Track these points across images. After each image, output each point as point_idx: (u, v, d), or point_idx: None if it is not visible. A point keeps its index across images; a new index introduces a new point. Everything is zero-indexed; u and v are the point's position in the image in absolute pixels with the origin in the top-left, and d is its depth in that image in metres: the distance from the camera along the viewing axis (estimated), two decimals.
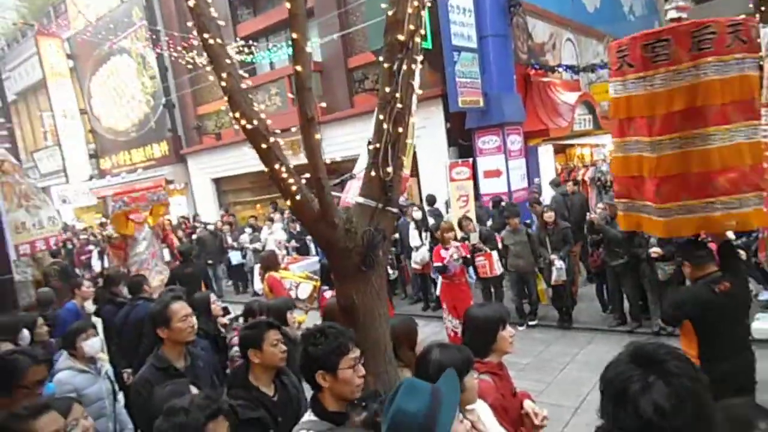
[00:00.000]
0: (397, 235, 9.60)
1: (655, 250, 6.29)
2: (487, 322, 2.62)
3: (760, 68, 3.63)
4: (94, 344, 3.71)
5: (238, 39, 12.72)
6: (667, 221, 3.51)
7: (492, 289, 8.07)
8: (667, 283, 6.53)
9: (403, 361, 2.95)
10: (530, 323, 7.87)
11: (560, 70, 12.28)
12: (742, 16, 3.34)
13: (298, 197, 2.75)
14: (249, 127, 2.68)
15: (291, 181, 2.75)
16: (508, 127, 11.08)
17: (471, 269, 7.90)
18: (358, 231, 2.77)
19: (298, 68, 2.43)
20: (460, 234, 7.91)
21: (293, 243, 11.43)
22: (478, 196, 10.64)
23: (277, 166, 2.74)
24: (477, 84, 10.71)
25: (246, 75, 2.86)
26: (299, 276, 7.21)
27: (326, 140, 13.45)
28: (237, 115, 2.70)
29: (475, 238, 7.88)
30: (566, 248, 7.50)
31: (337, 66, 13.18)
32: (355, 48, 13.00)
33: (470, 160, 10.07)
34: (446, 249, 6.90)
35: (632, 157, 3.67)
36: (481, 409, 2.28)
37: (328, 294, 5.56)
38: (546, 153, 12.87)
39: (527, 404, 2.62)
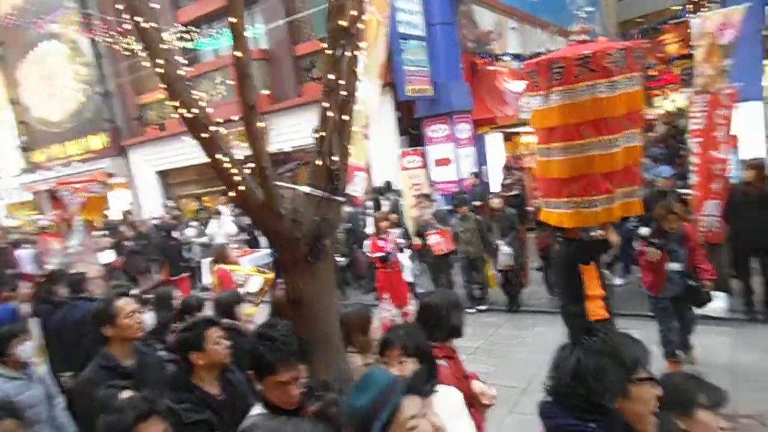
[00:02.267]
0: (349, 225, 9.61)
1: (599, 232, 6.54)
2: (445, 307, 2.67)
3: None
4: (26, 349, 3.52)
5: (177, 24, 12.24)
6: (572, 213, 4.06)
7: (443, 276, 8.23)
8: (610, 264, 6.85)
9: (356, 346, 2.96)
10: (480, 308, 8.03)
11: (506, 58, 12.50)
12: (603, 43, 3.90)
13: (241, 188, 2.68)
14: (188, 115, 2.59)
15: (234, 171, 2.67)
16: (457, 115, 11.21)
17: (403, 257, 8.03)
18: (305, 221, 2.73)
19: (238, 54, 2.36)
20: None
21: (243, 236, 11.19)
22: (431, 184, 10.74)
23: (219, 156, 2.66)
24: (425, 72, 10.76)
25: (186, 62, 2.75)
26: (250, 270, 7.09)
27: (275, 130, 13.23)
28: (176, 103, 2.60)
29: (427, 214, 8.04)
30: (513, 234, 7.69)
31: (283, 54, 12.93)
32: (302, 35, 12.79)
33: (421, 148, 10.14)
34: (382, 239, 6.95)
35: (543, 161, 4.15)
36: (446, 394, 2.27)
37: None
38: (494, 141, 13.12)
39: (476, 385, 2.67)
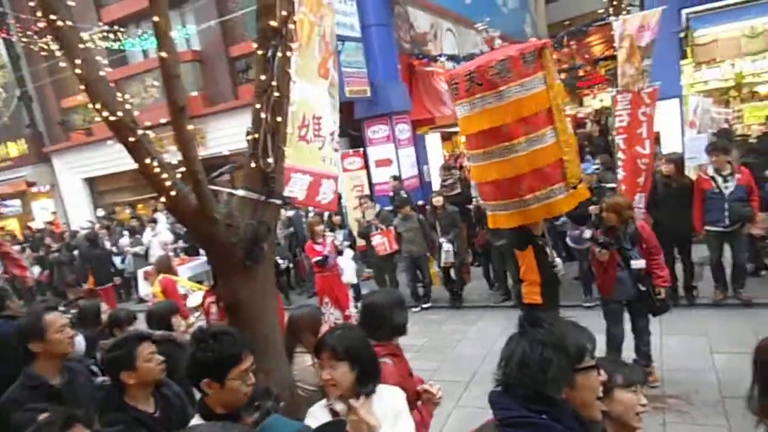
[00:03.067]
0: (291, 229, 9.49)
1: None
2: (401, 303, 2.68)
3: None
4: None
5: (101, 23, 11.65)
6: (560, 199, 4.03)
7: (388, 275, 8.29)
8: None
9: (306, 347, 2.92)
10: (424, 306, 8.13)
11: (442, 59, 12.71)
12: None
13: (173, 193, 2.58)
14: (112, 119, 2.47)
15: (164, 176, 2.58)
16: (396, 116, 11.30)
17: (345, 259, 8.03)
18: (241, 225, 2.67)
19: (163, 54, 2.27)
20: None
21: (180, 243, 10.81)
22: (371, 186, 10.79)
23: (147, 161, 2.55)
24: (363, 74, 10.78)
25: (106, 62, 2.62)
26: (191, 284, 6.88)
27: (212, 133, 12.87)
28: (98, 106, 2.47)
29: (370, 214, 8.06)
30: (454, 231, 7.83)
31: (217, 55, 12.58)
32: (236, 36, 12.47)
33: (361, 149, 10.12)
34: (319, 243, 6.91)
35: (480, 166, 4.18)
36: (389, 393, 2.27)
37: None
38: (433, 141, 13.32)
39: (422, 387, 2.70)
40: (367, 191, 9.44)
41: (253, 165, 2.71)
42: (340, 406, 2.10)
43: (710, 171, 6.02)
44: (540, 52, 3.79)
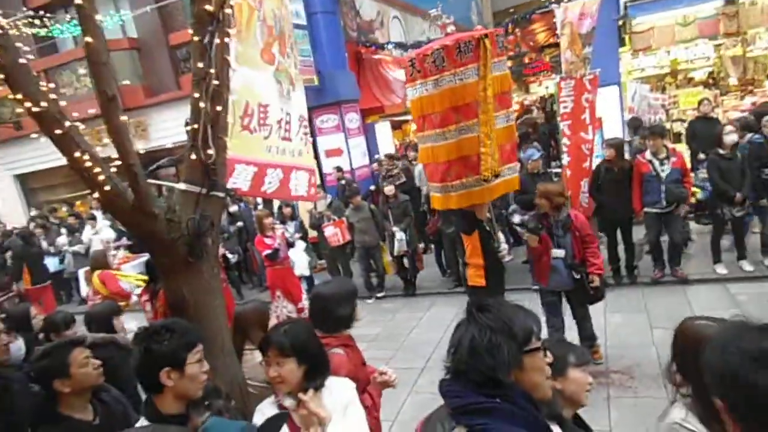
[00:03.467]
0: (241, 223, 9.27)
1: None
2: (348, 296, 2.66)
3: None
4: None
5: (26, 9, 10.94)
6: (481, 189, 4.14)
7: (341, 266, 8.25)
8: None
9: (255, 343, 2.86)
10: (378, 295, 8.15)
11: (389, 47, 12.65)
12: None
13: (107, 188, 2.43)
14: (36, 110, 2.30)
15: (97, 170, 2.42)
16: (345, 105, 11.19)
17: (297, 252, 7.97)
18: (182, 220, 2.55)
19: (88, 39, 2.12)
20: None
21: (124, 241, 10.36)
22: (321, 176, 10.67)
23: (77, 155, 2.40)
24: (309, 62, 10.60)
25: (27, 48, 2.43)
26: (136, 278, 6.59)
27: (153, 125, 12.39)
28: (19, 96, 2.29)
29: (322, 205, 7.99)
30: (407, 220, 7.86)
31: (157, 43, 12.07)
32: (176, 23, 11.99)
33: (311, 139, 9.93)
34: (268, 236, 6.80)
35: (444, 146, 4.21)
36: (339, 384, 2.25)
37: None
38: (384, 129, 13.29)
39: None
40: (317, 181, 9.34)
41: (193, 157, 2.59)
42: (288, 402, 2.07)
43: (647, 155, 6.28)
44: (478, 43, 3.84)
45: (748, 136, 6.46)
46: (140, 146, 11.90)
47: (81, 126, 2.47)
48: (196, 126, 2.52)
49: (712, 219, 6.56)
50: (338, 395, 2.14)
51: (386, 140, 13.39)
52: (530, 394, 1.51)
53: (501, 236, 4.83)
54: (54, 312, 3.90)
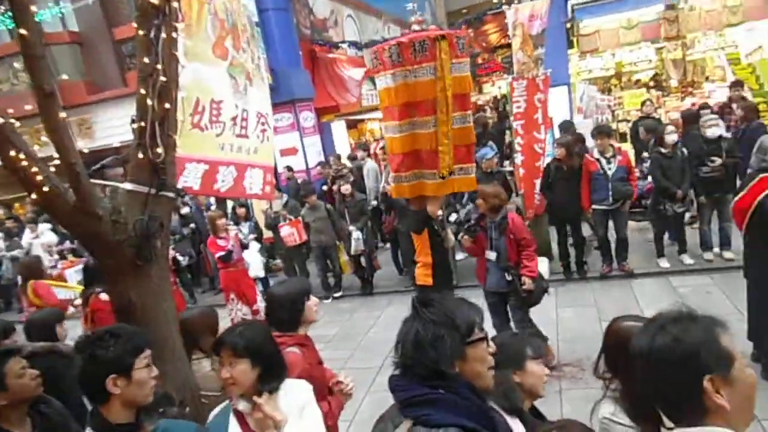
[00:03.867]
0: (193, 225, 9.02)
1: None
2: (292, 296, 2.63)
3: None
4: None
5: None
6: (435, 183, 4.30)
7: (298, 266, 8.15)
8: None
9: (205, 350, 2.80)
10: (335, 295, 8.10)
11: (344, 46, 12.61)
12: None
13: (45, 188, 2.31)
14: None
15: (34, 169, 2.29)
16: (299, 103, 11.07)
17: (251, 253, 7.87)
18: (129, 221, 2.45)
19: (22, 32, 2.00)
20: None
21: (67, 245, 9.90)
22: (277, 175, 10.52)
23: (13, 153, 2.26)
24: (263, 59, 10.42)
25: None
26: (75, 287, 6.30)
27: (99, 123, 11.89)
28: None
29: (277, 205, 7.88)
30: (363, 219, 7.84)
31: (100, 37, 11.56)
32: (121, 16, 11.51)
33: (272, 136, 9.74)
34: (221, 238, 6.66)
35: (399, 138, 4.32)
36: (294, 386, 2.21)
37: (104, 297, 4.77)
38: (339, 128, 13.22)
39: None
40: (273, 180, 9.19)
41: (140, 156, 2.49)
42: (242, 405, 2.02)
43: (595, 153, 6.49)
44: (433, 43, 3.91)
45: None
46: (85, 145, 11.42)
47: (16, 123, 2.34)
48: (143, 124, 2.42)
49: (655, 215, 6.85)
50: (294, 397, 2.11)
51: (342, 139, 13.33)
52: (473, 384, 1.56)
53: (451, 235, 4.93)
54: None
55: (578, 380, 4.60)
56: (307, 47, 11.90)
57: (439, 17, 23.36)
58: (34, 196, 2.34)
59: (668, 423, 1.27)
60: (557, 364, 4.89)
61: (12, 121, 2.29)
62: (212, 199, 9.16)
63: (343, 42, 12.67)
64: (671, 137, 6.36)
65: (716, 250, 6.63)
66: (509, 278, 4.64)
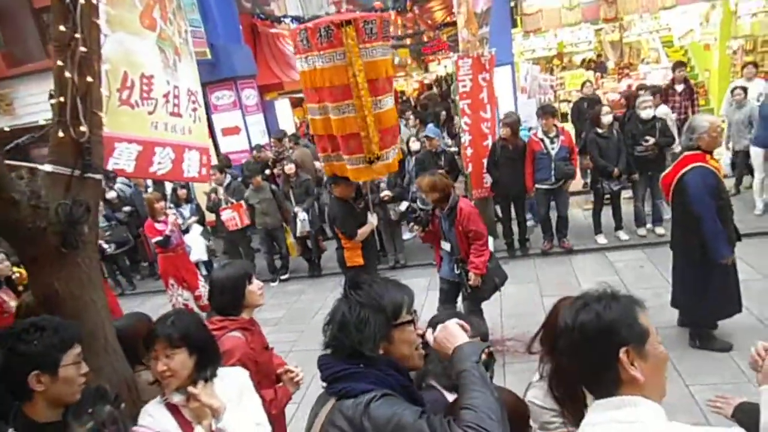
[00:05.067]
0: (130, 207, 8.59)
1: (385, 194, 6.91)
2: (233, 280, 2.59)
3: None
4: None
5: None
6: (353, 169, 4.44)
7: (242, 249, 7.94)
8: (398, 222, 7.32)
9: (144, 362, 2.61)
10: (282, 278, 7.97)
11: (286, 21, 12.19)
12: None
13: None
14: None
15: None
16: (241, 81, 10.67)
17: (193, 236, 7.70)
18: (51, 206, 2.25)
19: None
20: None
21: None
22: (218, 154, 10.16)
23: None
24: (201, 34, 9.93)
25: None
26: None
27: (20, 100, 11.07)
28: None
29: (220, 190, 7.66)
30: (309, 200, 7.71)
31: (17, 5, 10.66)
32: None
33: (204, 115, 9.35)
34: (159, 221, 6.40)
35: (319, 120, 4.47)
36: (229, 374, 2.13)
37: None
38: (283, 107, 12.87)
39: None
40: (214, 161, 8.83)
41: (61, 134, 2.28)
42: (177, 398, 1.94)
43: (539, 133, 6.61)
44: (338, 29, 3.97)
45: None
46: (4, 123, 10.60)
47: None
48: (62, 99, 2.21)
49: (593, 193, 7.09)
50: (230, 382, 2.07)
51: (286, 118, 13.00)
52: (398, 363, 1.58)
53: (373, 216, 5.07)
54: None
55: (520, 354, 4.73)
56: (247, 21, 11.45)
57: None
58: None
59: (590, 401, 1.37)
60: (501, 339, 5.01)
61: None
62: (149, 181, 8.74)
63: (285, 16, 12.24)
64: (607, 118, 6.56)
65: (649, 225, 6.95)
66: (457, 271, 4.51)
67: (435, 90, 16.55)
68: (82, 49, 2.13)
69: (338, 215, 4.94)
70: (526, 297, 5.87)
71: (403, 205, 5.21)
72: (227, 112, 10.68)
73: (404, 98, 17.01)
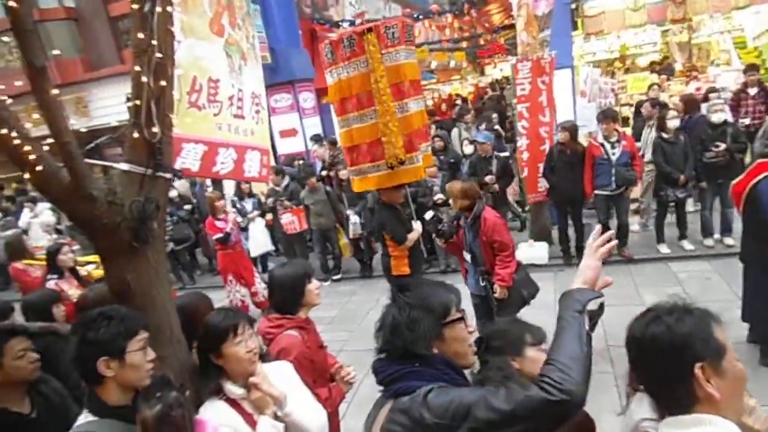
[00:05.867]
0: (191, 205, 8.96)
1: (438, 197, 6.91)
2: (293, 279, 2.64)
3: None
4: None
5: None
6: (376, 176, 4.43)
7: (298, 248, 8.13)
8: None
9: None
10: (334, 278, 8.09)
11: (344, 25, 12.40)
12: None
13: (39, 168, 2.24)
14: None
15: (27, 148, 2.23)
16: (299, 84, 10.93)
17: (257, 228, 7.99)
18: (125, 203, 2.39)
19: (12, 4, 1.92)
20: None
21: (64, 225, 9.85)
22: (275, 156, 10.44)
23: (4, 131, 2.19)
24: (262, 38, 10.25)
25: None
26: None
27: (95, 102, 11.76)
28: None
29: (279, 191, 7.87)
30: (361, 203, 7.78)
31: (95, 13, 11.39)
32: None
33: (266, 118, 9.66)
34: (220, 219, 6.62)
35: (345, 132, 4.54)
36: (278, 371, 2.21)
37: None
38: None
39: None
40: (272, 162, 9.10)
41: (136, 135, 2.42)
42: (236, 392, 2.02)
43: (600, 138, 6.42)
44: (360, 37, 4.05)
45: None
46: (81, 124, 11.30)
47: (8, 101, 2.27)
48: (138, 102, 2.35)
49: (657, 201, 6.80)
50: (278, 376, 2.13)
51: None
52: (452, 361, 1.60)
53: (417, 224, 4.92)
54: None
55: None
56: (307, 26, 11.72)
57: None
58: (27, 176, 2.28)
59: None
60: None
61: (4, 98, 2.22)
62: (208, 180, 9.10)
63: (344, 21, 12.45)
64: (673, 122, 6.29)
65: (717, 236, 6.60)
66: (483, 284, 4.31)
67: (490, 92, 16.34)
68: (158, 55, 2.25)
69: (386, 221, 4.82)
70: None
71: (428, 214, 5.06)
72: (285, 115, 10.96)
73: (459, 101, 16.89)
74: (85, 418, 1.89)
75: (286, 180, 8.19)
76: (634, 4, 9.38)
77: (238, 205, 8.00)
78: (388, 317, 1.61)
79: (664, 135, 6.33)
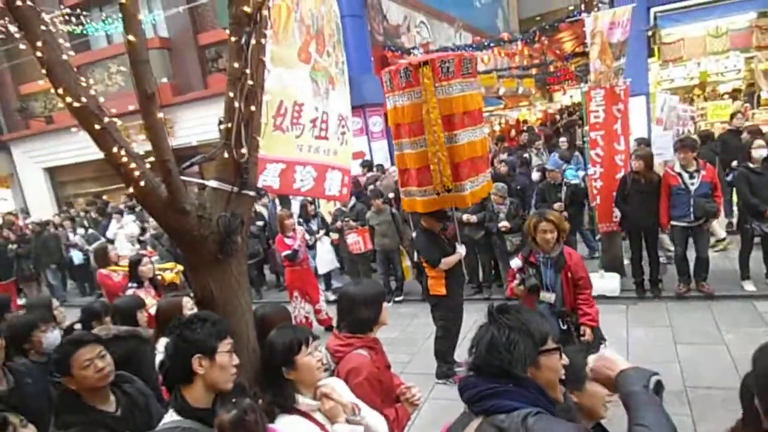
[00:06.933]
0: (261, 222, 9.33)
1: (503, 224, 6.84)
2: (373, 298, 2.67)
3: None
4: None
5: (63, 7, 11.22)
6: (423, 200, 4.66)
7: (362, 268, 8.27)
8: (515, 252, 7.17)
9: None
10: (396, 299, 8.13)
11: (416, 52, 12.66)
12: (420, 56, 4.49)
13: (142, 183, 2.48)
14: (76, 105, 2.35)
15: (132, 165, 2.47)
16: (369, 108, 11.24)
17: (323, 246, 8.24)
18: (213, 217, 2.59)
19: (131, 38, 2.16)
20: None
21: (148, 235, 10.52)
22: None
23: (115, 150, 2.44)
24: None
25: (67, 45, 2.49)
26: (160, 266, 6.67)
27: (179, 123, 12.59)
28: (60, 91, 2.35)
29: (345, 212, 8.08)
30: None
31: (186, 43, 12.29)
32: (206, 23, 12.22)
33: (351, 139, 10.00)
34: (289, 237, 6.85)
35: (399, 155, 4.80)
36: (336, 384, 2.29)
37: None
38: None
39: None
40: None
41: (225, 155, 2.62)
42: (306, 404, 2.10)
43: (677, 167, 6.17)
44: (416, 69, 4.25)
45: None
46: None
47: (118, 122, 2.53)
48: (230, 125, 2.55)
49: (741, 234, 6.42)
50: (341, 387, 2.21)
51: None
52: (544, 389, 1.57)
53: (461, 248, 5.13)
54: (93, 301, 3.98)
55: None
56: (379, 53, 12.07)
57: (513, 24, 23.03)
58: (131, 190, 2.52)
59: None
60: None
61: (115, 120, 2.48)
62: (277, 199, 9.45)
63: (415, 48, 12.73)
64: (759, 152, 5.96)
65: None
66: (564, 327, 3.93)
67: (558, 117, 16.09)
68: (250, 82, 2.45)
69: (422, 245, 5.17)
70: (656, 343, 5.44)
71: (517, 261, 4.74)
72: (354, 138, 11.23)
73: (526, 127, 16.70)
74: (170, 416, 2.01)
75: (353, 200, 8.41)
76: (716, 31, 9.01)
77: (305, 226, 8.27)
78: (485, 336, 1.60)
79: (750, 165, 6.01)
